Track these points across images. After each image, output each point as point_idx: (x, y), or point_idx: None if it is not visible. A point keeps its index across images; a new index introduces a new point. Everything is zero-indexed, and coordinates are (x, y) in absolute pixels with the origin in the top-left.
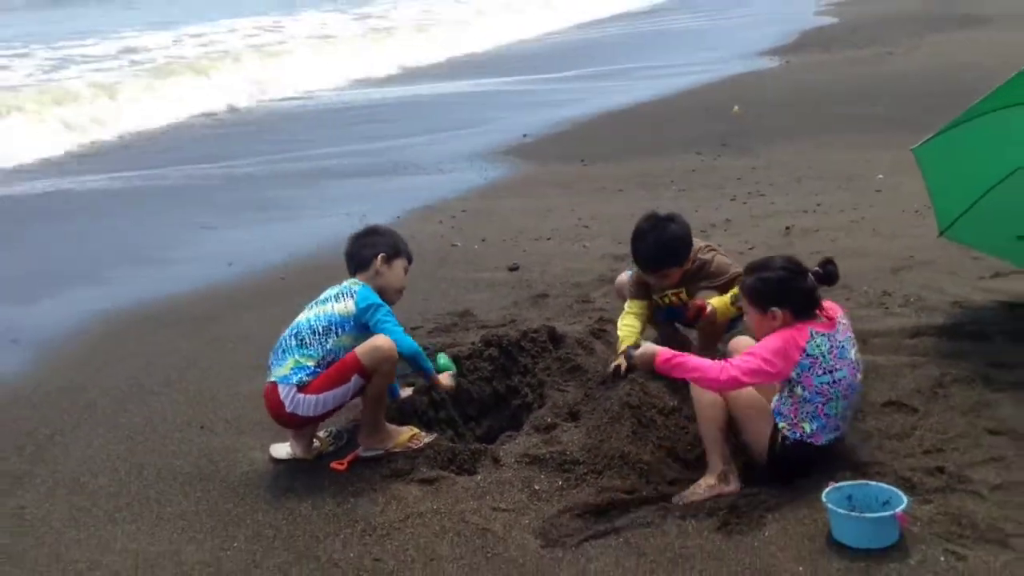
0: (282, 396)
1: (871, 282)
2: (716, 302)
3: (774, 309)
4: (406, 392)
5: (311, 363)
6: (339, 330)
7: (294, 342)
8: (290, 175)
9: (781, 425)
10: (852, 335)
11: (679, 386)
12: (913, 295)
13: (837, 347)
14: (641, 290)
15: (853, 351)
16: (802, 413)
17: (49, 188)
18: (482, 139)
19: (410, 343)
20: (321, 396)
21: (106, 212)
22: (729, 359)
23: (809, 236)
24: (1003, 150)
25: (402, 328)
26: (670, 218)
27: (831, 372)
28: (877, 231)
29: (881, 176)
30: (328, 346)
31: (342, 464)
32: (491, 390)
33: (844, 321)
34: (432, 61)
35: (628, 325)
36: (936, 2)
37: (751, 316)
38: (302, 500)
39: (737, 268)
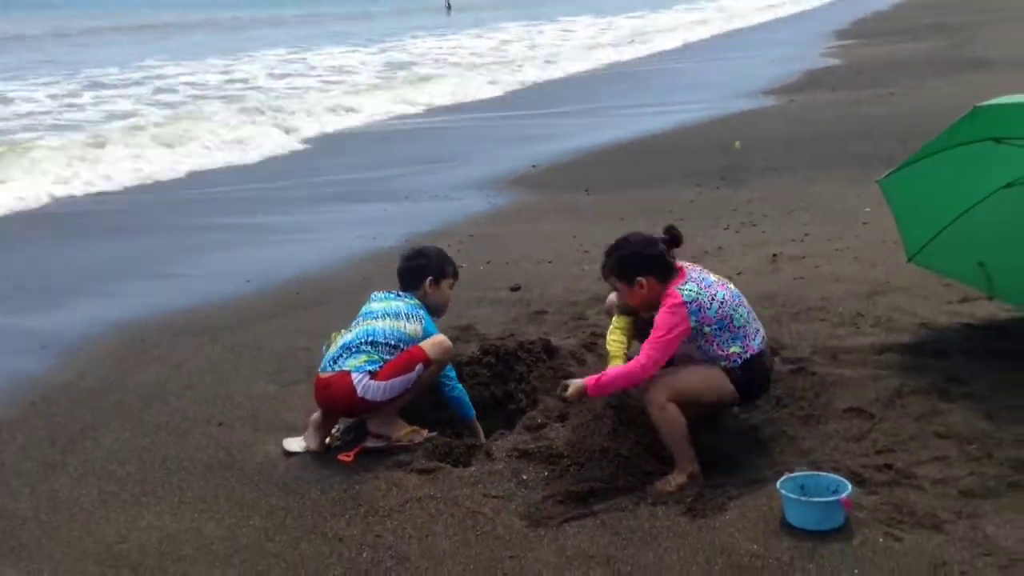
0: (355, 381)
1: (847, 304)
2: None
3: (640, 279)
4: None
5: (380, 360)
6: (405, 346)
7: (368, 345)
8: (305, 200)
9: (723, 364)
10: (704, 271)
11: None
12: (884, 316)
13: (699, 280)
14: (629, 307)
15: (712, 276)
16: (723, 343)
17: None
18: (491, 168)
19: (460, 389)
20: (388, 383)
21: (129, 229)
22: (639, 356)
23: (794, 263)
24: (963, 184)
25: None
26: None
27: (713, 298)
28: (858, 259)
29: (868, 209)
30: (395, 356)
31: (348, 456)
32: (489, 394)
33: (694, 267)
34: (455, 99)
35: (616, 340)
36: (943, 47)
37: (623, 291)
38: (311, 486)
39: None
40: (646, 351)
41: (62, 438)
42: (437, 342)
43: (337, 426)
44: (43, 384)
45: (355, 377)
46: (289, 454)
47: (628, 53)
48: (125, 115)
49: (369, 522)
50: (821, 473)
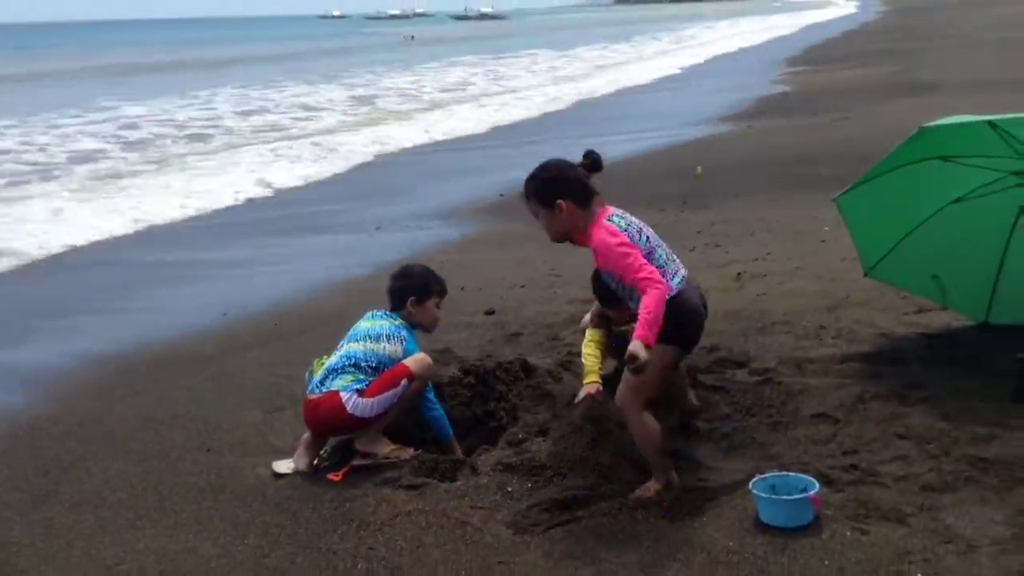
0: (344, 399)
1: (809, 318)
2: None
3: (560, 202)
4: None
5: (367, 382)
6: (385, 367)
7: (352, 367)
8: (275, 233)
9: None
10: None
11: None
12: (845, 328)
13: (623, 215)
14: (602, 321)
15: (634, 217)
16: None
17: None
18: (460, 198)
19: (440, 412)
20: (376, 399)
21: (106, 264)
22: (643, 295)
23: (757, 280)
24: (915, 201)
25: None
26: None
27: (640, 231)
28: (819, 276)
29: (827, 228)
30: (375, 378)
31: (338, 475)
32: (470, 414)
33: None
34: (425, 133)
35: (591, 354)
36: (893, 72)
37: (543, 218)
38: (303, 505)
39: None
40: (646, 279)
41: (53, 469)
42: (419, 358)
43: (325, 448)
44: (28, 417)
45: (344, 396)
46: (279, 476)
47: (588, 87)
48: (89, 157)
49: (361, 536)
50: (790, 474)
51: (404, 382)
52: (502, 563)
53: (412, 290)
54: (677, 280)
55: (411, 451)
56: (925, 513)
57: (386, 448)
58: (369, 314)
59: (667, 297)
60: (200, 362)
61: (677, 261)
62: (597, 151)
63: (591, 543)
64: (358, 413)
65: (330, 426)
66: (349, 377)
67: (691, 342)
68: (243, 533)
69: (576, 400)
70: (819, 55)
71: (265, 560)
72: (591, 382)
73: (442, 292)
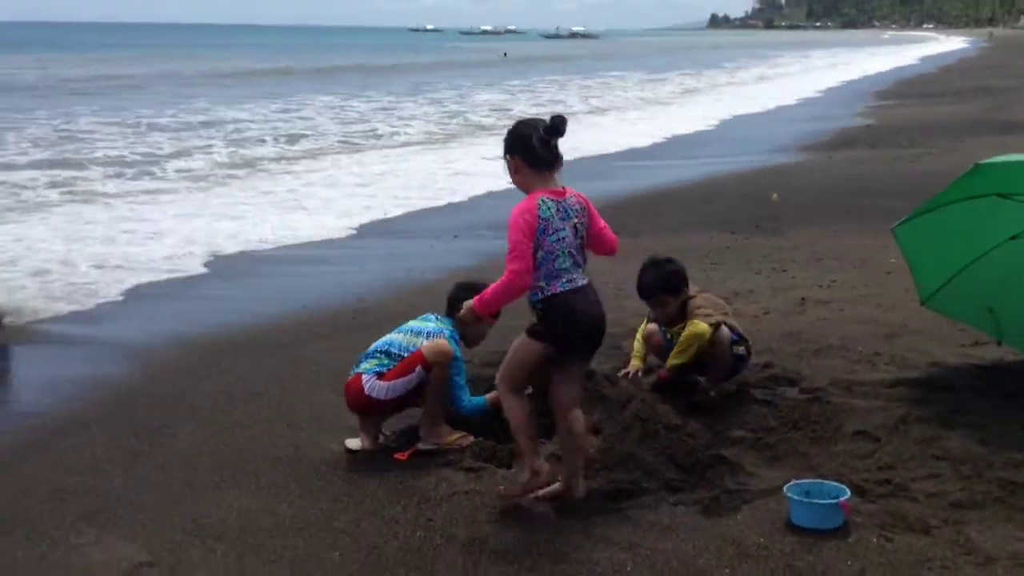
0: (363, 381)
1: (865, 344)
2: (673, 354)
3: (508, 156)
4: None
5: (390, 367)
6: None
7: (383, 353)
8: (357, 236)
9: (528, 295)
10: (582, 214)
11: (683, 408)
12: (899, 356)
13: (562, 211)
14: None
15: (575, 219)
16: (539, 274)
17: None
18: None
19: (468, 404)
20: (390, 383)
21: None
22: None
23: (820, 306)
24: (972, 235)
25: (463, 388)
26: (668, 259)
27: (554, 232)
28: (880, 304)
29: (893, 260)
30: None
31: (404, 455)
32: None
33: (575, 199)
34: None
35: (638, 341)
36: (984, 109)
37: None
38: (371, 478)
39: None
40: (507, 264)
41: (144, 433)
42: (433, 344)
43: (393, 429)
44: (123, 388)
45: (364, 378)
46: (350, 451)
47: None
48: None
49: (421, 509)
50: (825, 481)
51: (418, 369)
52: (547, 541)
53: None
54: (563, 285)
55: (471, 438)
56: (950, 527)
57: (449, 436)
58: (424, 316)
59: (537, 294)
60: (278, 348)
61: (579, 273)
62: (563, 116)
63: (629, 530)
64: (373, 394)
65: (355, 406)
66: (375, 361)
67: (565, 343)
68: (315, 499)
69: (618, 374)
70: (910, 89)
71: (333, 523)
72: (632, 366)
73: (497, 315)
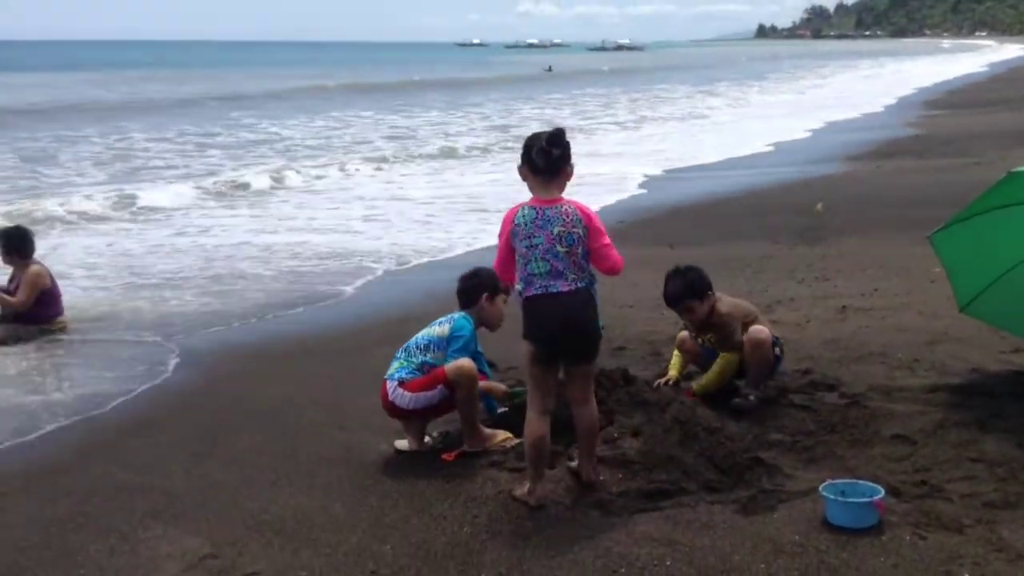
0: (388, 388)
1: (905, 351)
2: (696, 387)
3: (519, 164)
4: (502, 410)
5: (411, 366)
6: (435, 348)
7: (403, 352)
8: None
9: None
10: (570, 224)
11: (722, 411)
12: (939, 362)
13: (542, 219)
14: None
15: (557, 228)
16: (519, 276)
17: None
18: None
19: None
20: (414, 395)
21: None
22: None
23: (861, 314)
24: (1010, 242)
25: (468, 358)
26: (690, 267)
27: (528, 237)
28: (921, 312)
29: (937, 269)
30: (425, 358)
31: (450, 455)
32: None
33: (568, 210)
34: None
35: (676, 354)
36: None
37: None
38: (419, 478)
39: (735, 340)
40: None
41: (206, 435)
42: (457, 365)
43: (440, 431)
44: (186, 393)
45: (389, 385)
46: (400, 452)
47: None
48: None
49: (468, 506)
50: (860, 481)
51: (439, 387)
52: (589, 538)
53: (485, 287)
54: (535, 289)
55: (514, 440)
56: (983, 526)
57: (492, 439)
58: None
59: (518, 296)
60: (334, 356)
61: (560, 279)
62: (561, 129)
63: (669, 528)
64: (398, 403)
65: (385, 409)
66: (396, 364)
67: (536, 342)
68: (366, 496)
69: (654, 384)
70: (962, 99)
71: (384, 519)
72: (668, 376)
73: (508, 291)
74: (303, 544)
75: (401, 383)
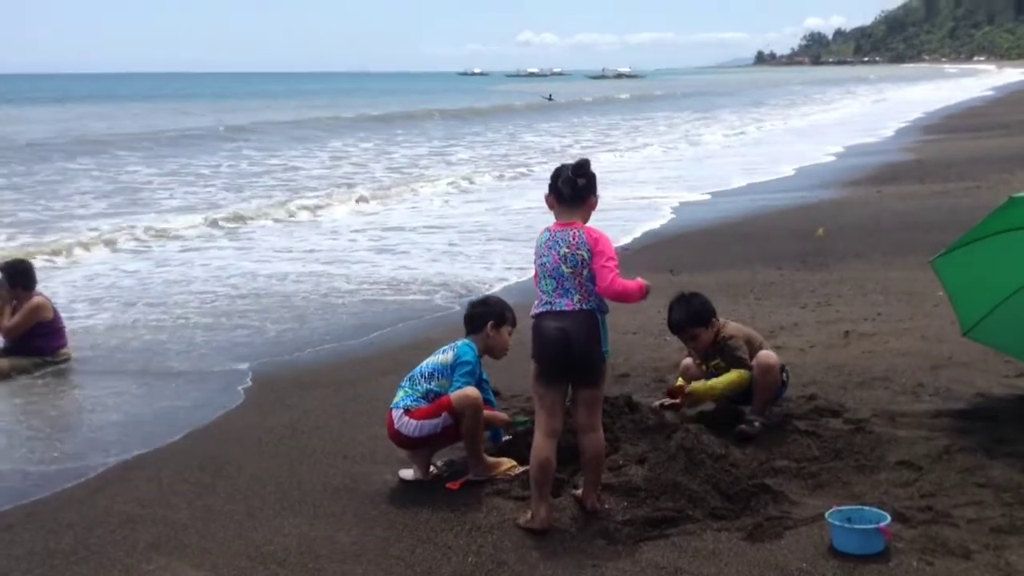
0: (394, 417)
1: (909, 376)
2: (712, 381)
3: (547, 193)
4: (507, 438)
5: (416, 395)
6: (440, 375)
7: (408, 381)
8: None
9: None
10: (575, 246)
11: (727, 438)
12: (943, 387)
13: (552, 241)
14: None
15: (563, 249)
16: (536, 295)
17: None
18: None
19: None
20: (419, 422)
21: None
22: None
23: (864, 339)
24: (1012, 266)
25: (474, 386)
26: (694, 294)
27: (540, 257)
28: (925, 337)
29: (940, 293)
30: (430, 386)
31: (455, 485)
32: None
33: (576, 233)
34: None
35: (679, 377)
36: None
37: None
38: (423, 507)
39: (744, 357)
40: None
41: (208, 466)
42: (462, 394)
43: (445, 459)
44: (191, 424)
45: (394, 414)
46: (404, 482)
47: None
48: None
49: (473, 535)
50: (866, 507)
51: (444, 415)
52: (595, 566)
53: (492, 315)
54: (541, 307)
55: (518, 468)
56: (990, 551)
57: (498, 468)
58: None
59: (533, 313)
60: (341, 384)
61: (565, 298)
62: (586, 160)
63: (675, 556)
64: (404, 431)
65: (392, 439)
66: (401, 393)
67: (537, 361)
68: (371, 527)
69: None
70: (961, 123)
71: (390, 550)
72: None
73: (514, 323)
74: (308, 575)
75: (407, 411)
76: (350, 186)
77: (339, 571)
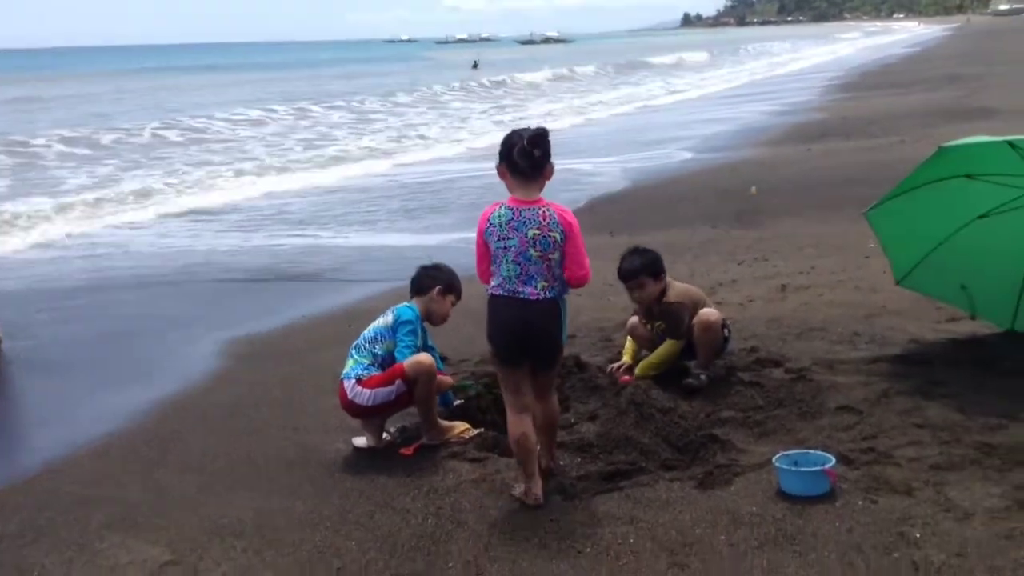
0: (346, 388)
1: (845, 325)
2: (646, 360)
3: (498, 162)
4: (458, 402)
5: (365, 362)
6: (383, 339)
7: (355, 349)
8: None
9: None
10: (546, 227)
11: (674, 392)
12: (878, 335)
13: (517, 220)
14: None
15: (532, 230)
16: (492, 276)
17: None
18: None
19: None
20: (373, 391)
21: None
22: None
23: (800, 292)
24: (942, 215)
25: (415, 347)
26: (647, 249)
27: (502, 238)
28: (859, 288)
29: (872, 245)
30: (376, 351)
31: (409, 450)
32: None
33: (547, 213)
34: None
35: (629, 341)
36: (955, 97)
37: None
38: (379, 473)
39: (682, 330)
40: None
41: (156, 443)
42: (416, 360)
43: (397, 425)
44: (134, 403)
45: (346, 384)
46: (358, 450)
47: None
48: None
49: (431, 498)
50: (811, 451)
51: (398, 383)
52: (552, 520)
53: (440, 282)
54: (499, 291)
55: (472, 431)
56: (931, 488)
57: (448, 434)
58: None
59: (490, 293)
60: (282, 357)
61: (528, 284)
62: (544, 129)
63: (630, 506)
64: (358, 401)
65: (346, 410)
66: (350, 363)
67: (497, 344)
68: (328, 495)
69: (607, 369)
70: (881, 79)
71: (348, 516)
72: (622, 361)
73: (459, 295)
74: (265, 545)
75: (359, 381)
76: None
77: (298, 539)
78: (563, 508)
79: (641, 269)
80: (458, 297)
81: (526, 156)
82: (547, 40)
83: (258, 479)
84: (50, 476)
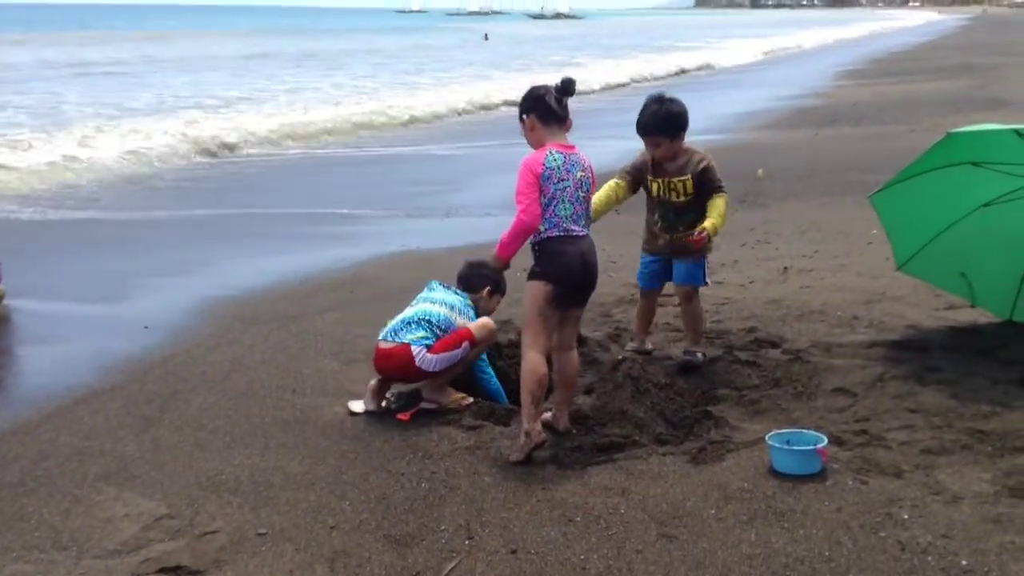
0: (414, 353)
1: (845, 309)
2: (708, 224)
3: (524, 116)
4: None
5: (434, 339)
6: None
7: (425, 323)
8: (369, 217)
9: (532, 242)
10: (587, 170)
11: (671, 368)
12: (877, 320)
13: (569, 163)
14: (636, 175)
15: (580, 173)
16: (544, 220)
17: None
18: None
19: (493, 385)
20: (440, 356)
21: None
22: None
23: (802, 275)
24: (946, 202)
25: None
26: (672, 99)
27: (560, 180)
28: (860, 273)
29: (875, 231)
30: (442, 336)
31: (405, 415)
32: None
33: (584, 158)
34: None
35: (600, 192)
36: (967, 87)
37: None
38: (375, 437)
39: (722, 183)
40: (516, 201)
41: (155, 400)
42: (483, 324)
43: (393, 391)
44: (134, 359)
45: (414, 349)
46: (353, 414)
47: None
48: None
49: (425, 463)
50: (804, 431)
51: (466, 345)
52: (545, 489)
53: (491, 282)
54: (556, 232)
55: (471, 400)
56: (921, 471)
57: (450, 397)
58: (439, 285)
59: (535, 237)
60: (283, 320)
61: (580, 224)
62: (572, 78)
63: (622, 478)
64: (424, 367)
65: (399, 374)
66: (421, 333)
67: (556, 281)
68: (323, 457)
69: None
70: (895, 67)
71: (342, 477)
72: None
73: (504, 292)
74: (261, 503)
75: (428, 348)
76: None
77: (293, 498)
78: (556, 477)
79: (657, 128)
80: (503, 295)
81: (560, 103)
82: (558, 15)
83: (254, 438)
84: (50, 427)
